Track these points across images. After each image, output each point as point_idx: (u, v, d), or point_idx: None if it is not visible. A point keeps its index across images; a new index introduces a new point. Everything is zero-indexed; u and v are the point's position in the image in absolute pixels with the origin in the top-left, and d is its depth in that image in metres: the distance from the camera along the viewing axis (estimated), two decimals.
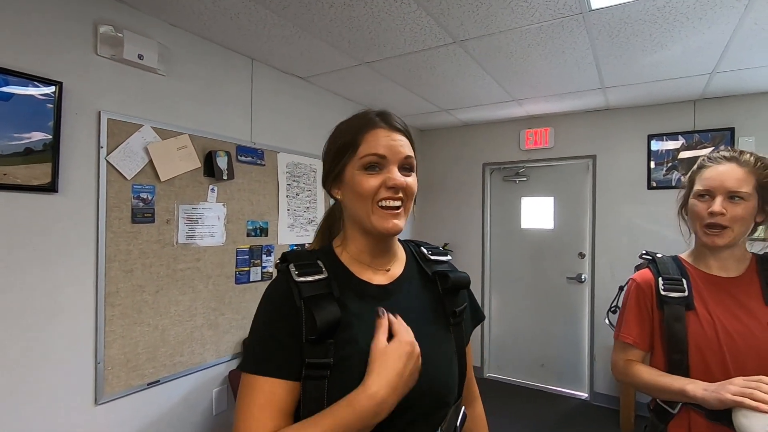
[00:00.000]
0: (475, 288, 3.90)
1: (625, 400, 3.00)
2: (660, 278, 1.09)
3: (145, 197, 1.86)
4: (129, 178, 1.80)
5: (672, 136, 3.20)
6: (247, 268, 2.37)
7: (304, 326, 0.66)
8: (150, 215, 1.89)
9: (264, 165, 2.47)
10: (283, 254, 0.75)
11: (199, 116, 2.12)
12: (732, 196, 1.00)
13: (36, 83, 1.50)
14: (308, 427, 0.60)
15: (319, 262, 0.72)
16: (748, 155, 1.04)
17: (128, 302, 1.81)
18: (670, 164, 3.22)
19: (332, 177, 0.77)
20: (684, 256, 1.17)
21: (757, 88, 2.82)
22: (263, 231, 2.47)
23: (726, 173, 1.02)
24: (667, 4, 1.75)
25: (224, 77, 2.25)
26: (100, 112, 1.71)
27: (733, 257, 1.07)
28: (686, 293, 1.05)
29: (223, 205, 2.22)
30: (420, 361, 0.66)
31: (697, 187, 1.07)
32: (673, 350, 1.03)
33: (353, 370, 0.65)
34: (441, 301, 0.79)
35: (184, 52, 2.04)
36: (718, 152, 1.08)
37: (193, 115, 2.09)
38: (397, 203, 0.72)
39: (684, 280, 1.07)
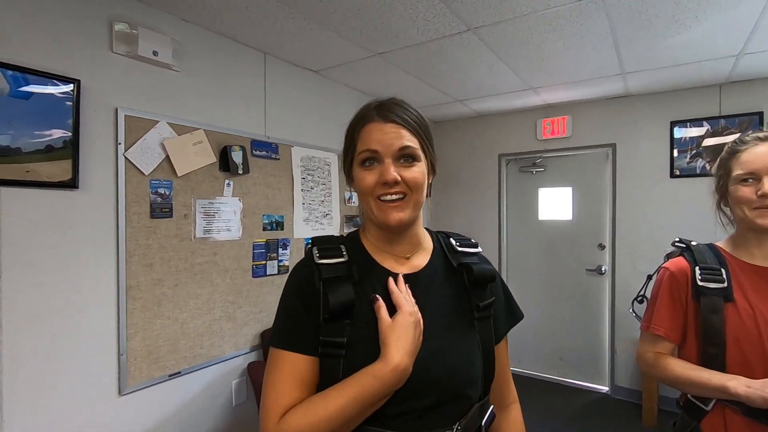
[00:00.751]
0: None
1: (647, 393, 2.93)
2: (697, 267, 1.03)
3: (162, 192, 1.89)
4: (147, 174, 1.83)
5: (696, 122, 3.09)
6: (264, 262, 2.39)
7: (322, 306, 0.69)
8: (168, 210, 1.91)
9: (278, 159, 2.48)
10: (313, 238, 0.78)
11: (214, 111, 2.14)
12: None
13: (55, 81, 1.53)
14: (331, 397, 0.63)
15: (342, 246, 0.75)
16: None
17: (148, 296, 1.84)
18: (694, 152, 3.11)
19: (346, 173, 0.80)
20: (721, 244, 1.10)
21: None
22: (279, 225, 2.48)
23: (767, 153, 0.97)
24: None
25: (237, 72, 2.26)
26: (117, 109, 1.73)
27: None
28: (725, 284, 0.99)
29: (239, 199, 2.24)
30: (421, 326, 0.70)
31: (738, 172, 1.01)
32: (709, 344, 0.97)
33: (369, 351, 0.67)
34: (467, 294, 0.78)
35: (197, 47, 2.05)
36: (749, 135, 1.03)
37: (208, 111, 2.11)
38: (396, 197, 0.72)
39: (723, 270, 1.01)
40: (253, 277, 2.33)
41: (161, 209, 1.88)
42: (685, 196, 3.11)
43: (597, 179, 3.54)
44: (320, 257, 0.72)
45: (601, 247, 3.53)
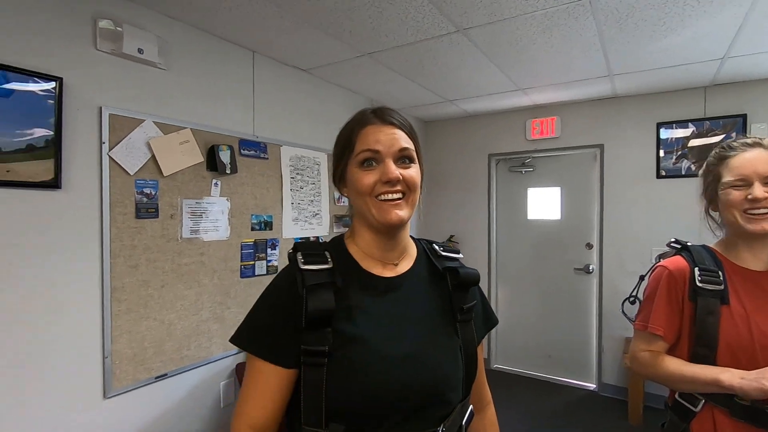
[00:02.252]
0: (482, 280, 3.85)
1: (633, 391, 2.97)
2: (696, 268, 1.02)
3: (148, 192, 1.86)
4: (132, 174, 1.80)
5: (682, 123, 3.14)
6: (252, 262, 2.38)
7: (304, 313, 0.68)
8: (154, 210, 1.89)
9: (267, 158, 2.46)
10: (295, 244, 0.77)
11: (201, 110, 2.11)
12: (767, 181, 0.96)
13: (36, 79, 1.49)
14: None
15: (326, 253, 0.74)
16: None
17: (134, 297, 1.82)
18: (679, 153, 3.16)
19: (338, 176, 0.80)
20: (713, 246, 1.11)
21: None
22: (268, 225, 2.46)
23: (756, 159, 0.97)
24: None
25: (225, 70, 2.23)
26: (101, 108, 1.70)
27: None
28: (722, 286, 0.99)
29: (227, 199, 2.22)
30: None
31: (727, 177, 1.01)
32: (701, 345, 0.98)
33: (351, 359, 0.67)
34: (449, 297, 0.79)
35: (184, 45, 2.02)
36: (736, 141, 1.04)
37: (195, 109, 2.08)
38: (397, 195, 0.73)
39: (720, 272, 1.01)
40: (242, 277, 2.31)
41: (147, 209, 1.86)
42: (670, 196, 3.16)
43: (585, 179, 3.57)
44: (305, 263, 0.71)
45: (589, 246, 3.57)
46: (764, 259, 1.01)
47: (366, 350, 0.68)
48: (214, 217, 2.16)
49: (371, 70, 2.66)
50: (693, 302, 1.00)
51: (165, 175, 1.91)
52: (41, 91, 1.50)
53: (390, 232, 0.76)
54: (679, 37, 2.18)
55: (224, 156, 2.16)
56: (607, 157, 3.40)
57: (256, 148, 2.39)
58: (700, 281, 1.00)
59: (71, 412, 1.62)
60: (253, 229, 2.37)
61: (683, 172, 3.15)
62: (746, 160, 0.99)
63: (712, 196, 1.08)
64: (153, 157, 1.87)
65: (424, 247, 0.86)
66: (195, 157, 2.05)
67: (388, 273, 0.77)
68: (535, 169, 3.80)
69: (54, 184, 1.55)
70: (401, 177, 0.72)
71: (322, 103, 2.86)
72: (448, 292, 0.79)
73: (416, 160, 0.77)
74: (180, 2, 1.82)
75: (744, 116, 2.94)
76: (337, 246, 0.79)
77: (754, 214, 0.96)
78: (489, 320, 0.88)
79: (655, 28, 2.07)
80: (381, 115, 0.76)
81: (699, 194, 1.14)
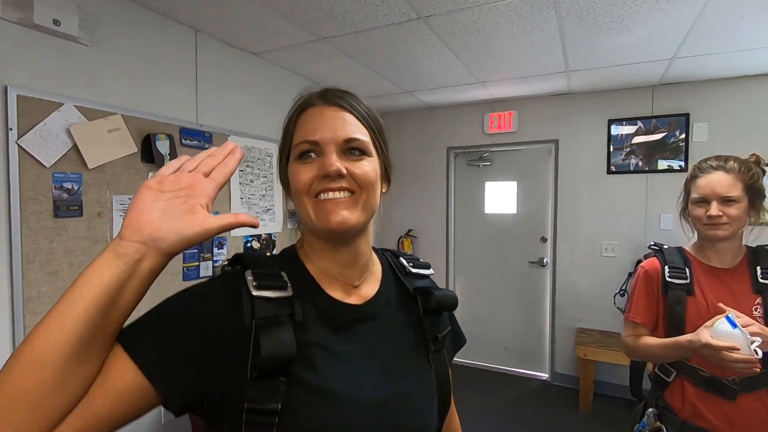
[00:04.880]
0: (439, 273, 3.87)
1: (584, 380, 3.07)
2: (666, 266, 1.23)
3: (69, 187, 1.62)
4: (48, 166, 1.55)
5: (631, 121, 3.24)
6: (197, 263, 2.18)
7: (250, 356, 0.51)
8: (77, 208, 1.65)
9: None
10: (237, 255, 0.59)
11: (134, 94, 1.87)
12: (725, 200, 1.13)
13: None
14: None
15: (283, 273, 0.58)
16: (732, 162, 1.16)
17: None
18: (628, 149, 3.26)
19: (285, 179, 0.64)
20: (688, 248, 1.30)
21: (711, 74, 2.87)
22: None
23: (716, 181, 1.15)
24: None
25: (164, 49, 1.99)
26: (6, 87, 1.44)
27: (731, 250, 1.20)
28: (688, 280, 1.19)
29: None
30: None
31: (693, 195, 1.21)
32: (673, 328, 1.18)
33: (313, 418, 0.52)
34: (420, 322, 0.67)
35: (113, 18, 1.77)
36: (706, 162, 1.20)
37: (127, 93, 1.84)
38: (341, 194, 0.57)
39: (686, 269, 1.21)
40: (184, 280, 2.10)
41: (68, 207, 1.62)
42: (619, 192, 3.27)
43: (540, 174, 3.62)
44: (258, 287, 0.54)
45: (543, 240, 3.63)
46: (727, 259, 1.21)
47: (332, 405, 0.53)
48: None
49: (327, 55, 2.50)
50: (665, 294, 1.22)
51: (90, 167, 1.68)
52: None
53: (334, 240, 0.60)
54: (634, 36, 2.20)
55: (162, 146, 1.94)
56: (561, 152, 3.46)
57: (199, 137, 2.17)
58: (669, 277, 1.21)
59: None
60: None
61: (631, 168, 3.26)
62: (708, 181, 1.17)
63: (685, 205, 1.27)
64: (75, 146, 1.63)
65: (389, 261, 0.73)
66: (127, 147, 1.81)
67: (353, 299, 0.63)
68: (493, 163, 3.81)
69: None
70: (345, 171, 0.57)
71: (274, 89, 2.67)
72: (418, 315, 0.67)
73: (372, 153, 0.62)
74: None
75: (687, 115, 3.08)
76: (290, 261, 0.62)
77: (711, 225, 1.16)
78: (458, 340, 0.78)
79: (613, 25, 2.08)
80: (326, 96, 0.61)
81: (678, 201, 1.32)
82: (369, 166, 0.60)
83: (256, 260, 0.58)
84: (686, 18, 1.99)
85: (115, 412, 0.46)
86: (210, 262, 2.25)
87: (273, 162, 2.65)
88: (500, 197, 3.78)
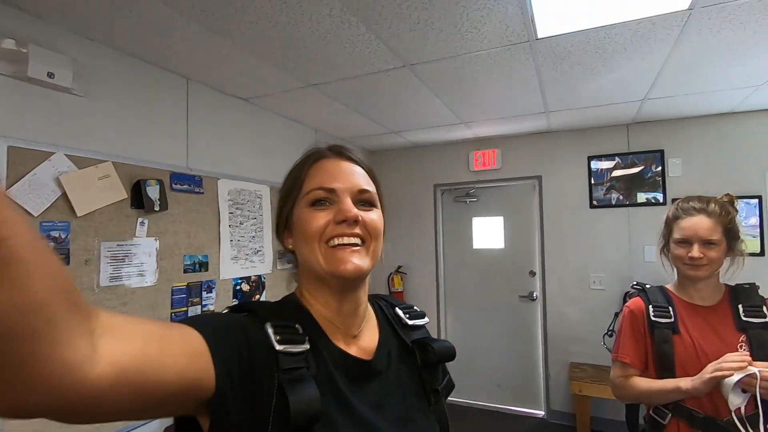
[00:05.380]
0: (430, 310, 3.84)
1: (581, 416, 3.02)
2: (650, 306, 1.26)
3: (57, 236, 1.60)
4: (36, 215, 1.54)
5: (610, 157, 3.37)
6: (185, 308, 2.13)
7: (272, 412, 0.49)
8: (64, 256, 1.62)
9: (202, 193, 2.26)
10: (247, 305, 0.59)
11: (125, 141, 1.89)
12: (706, 242, 1.19)
13: None
14: None
15: (297, 326, 0.57)
16: (713, 205, 1.21)
17: None
18: (608, 184, 3.37)
19: (282, 224, 0.66)
20: (669, 286, 1.33)
21: (682, 113, 3.03)
22: (203, 265, 2.24)
23: (698, 224, 1.20)
24: (607, 36, 1.81)
25: (154, 97, 2.04)
26: None
27: (710, 288, 1.24)
28: (672, 319, 1.22)
29: (155, 239, 1.98)
30: None
31: (676, 235, 1.25)
32: (663, 368, 1.20)
33: None
34: (419, 375, 0.68)
35: (106, 70, 1.82)
36: (688, 203, 1.25)
37: (117, 140, 1.86)
38: (354, 240, 0.59)
39: (670, 308, 1.24)
40: None
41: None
42: (602, 225, 3.35)
43: (526, 209, 3.70)
44: (281, 341, 0.53)
45: (532, 273, 3.66)
46: (707, 296, 1.25)
47: None
48: (140, 261, 1.91)
49: (316, 100, 2.58)
50: (651, 333, 1.24)
51: (79, 215, 1.67)
52: None
53: (344, 288, 0.61)
54: (607, 80, 2.34)
55: (152, 192, 1.94)
56: (545, 187, 3.55)
57: (190, 181, 2.18)
58: (654, 316, 1.24)
59: None
60: (185, 271, 2.14)
61: (613, 203, 3.35)
62: (691, 224, 1.21)
63: (666, 242, 1.32)
64: (64, 194, 1.62)
65: (383, 309, 0.74)
66: (117, 194, 1.81)
67: (355, 350, 0.63)
68: (479, 199, 3.88)
69: None
70: (360, 218, 0.60)
71: (263, 133, 2.72)
72: (417, 368, 0.68)
73: (378, 205, 0.66)
74: (102, 23, 1.64)
75: (662, 151, 3.22)
76: (297, 311, 0.61)
77: (692, 265, 1.21)
78: (449, 386, 0.78)
79: (587, 71, 2.20)
80: (339, 150, 0.66)
81: (659, 237, 1.36)
82: (377, 217, 0.64)
83: (270, 312, 0.57)
84: (654, 65, 2.13)
85: (165, 371, 0.42)
86: (199, 307, 2.20)
87: (263, 203, 2.67)
88: (488, 232, 3.84)
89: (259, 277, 2.65)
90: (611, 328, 1.57)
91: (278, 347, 0.52)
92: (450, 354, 0.69)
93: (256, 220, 2.62)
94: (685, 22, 1.69)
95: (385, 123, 3.14)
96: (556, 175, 3.52)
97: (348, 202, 0.60)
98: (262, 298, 2.63)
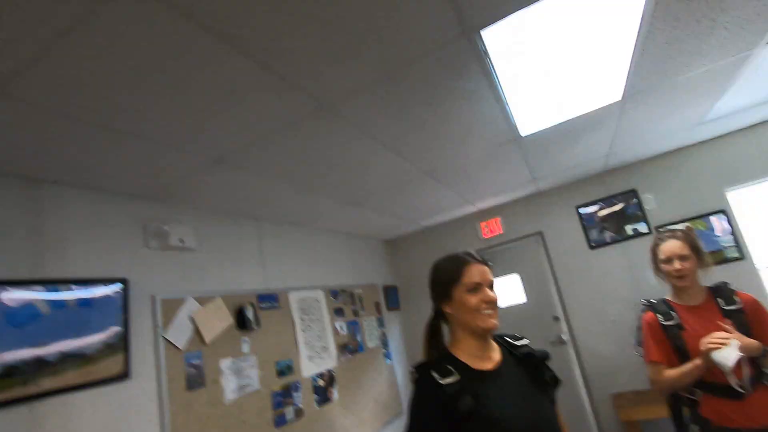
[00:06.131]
0: None
1: None
2: (658, 315, 1.70)
3: (195, 363, 2.00)
4: (183, 349, 1.96)
5: (594, 202, 3.95)
6: (282, 410, 2.45)
7: (453, 412, 0.98)
8: (201, 379, 2.01)
9: (279, 307, 2.70)
10: (418, 365, 1.09)
11: (226, 277, 2.38)
12: (681, 257, 1.67)
13: (108, 284, 1.72)
14: None
15: (449, 366, 1.05)
16: (678, 232, 1.73)
17: None
18: (599, 226, 3.91)
19: (442, 296, 1.15)
20: (668, 297, 1.77)
21: (644, 155, 3.64)
22: (290, 369, 2.60)
23: (673, 246, 1.70)
24: (570, 127, 2.46)
25: (239, 239, 2.57)
26: (153, 296, 1.92)
27: (696, 291, 1.69)
28: (677, 320, 1.65)
29: (255, 352, 2.38)
30: None
31: (660, 256, 1.75)
32: (682, 357, 1.59)
33: (490, 424, 0.99)
34: (534, 373, 1.12)
35: (209, 228, 2.36)
36: (666, 232, 1.77)
37: (222, 278, 2.35)
38: (493, 311, 1.10)
39: (673, 312, 1.68)
40: (276, 427, 2.36)
41: (196, 380, 1.98)
42: (605, 261, 3.81)
43: (536, 263, 4.18)
44: (442, 377, 1.02)
45: (556, 319, 4.02)
46: (695, 297, 1.69)
47: (497, 417, 0.98)
48: (248, 373, 2.29)
49: (355, 215, 3.16)
50: (666, 334, 1.66)
51: (207, 343, 2.08)
52: (113, 293, 1.72)
53: (487, 335, 1.11)
54: (576, 149, 2.98)
55: (249, 313, 2.38)
56: (548, 240, 4.07)
57: (270, 299, 2.63)
58: (663, 321, 1.69)
59: None
60: (278, 375, 2.50)
61: (608, 240, 3.86)
62: (668, 246, 1.72)
63: (656, 264, 1.79)
64: (196, 328, 2.06)
65: (499, 340, 1.20)
66: (227, 320, 2.25)
67: (488, 365, 1.09)
68: (495, 262, 4.35)
69: (125, 374, 1.68)
70: (495, 298, 1.11)
71: (315, 246, 3.25)
72: (532, 369, 1.13)
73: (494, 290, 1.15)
74: (208, 198, 2.21)
75: (635, 190, 3.82)
76: (450, 359, 1.10)
77: (677, 277, 1.67)
78: (555, 380, 1.19)
79: (560, 148, 2.85)
80: (476, 258, 1.15)
81: (650, 264, 1.82)
82: (497, 294, 1.12)
83: (433, 365, 1.07)
84: (610, 132, 2.78)
85: None
86: (291, 407, 2.52)
87: (321, 306, 3.09)
88: (508, 290, 4.26)
89: (330, 371, 2.97)
90: (638, 338, 1.98)
91: (441, 381, 1.02)
92: (545, 354, 1.16)
93: (319, 321, 3.03)
94: (623, 106, 2.36)
95: (405, 216, 3.72)
96: (554, 228, 4.06)
97: (490, 292, 1.11)
98: (334, 391, 2.94)
